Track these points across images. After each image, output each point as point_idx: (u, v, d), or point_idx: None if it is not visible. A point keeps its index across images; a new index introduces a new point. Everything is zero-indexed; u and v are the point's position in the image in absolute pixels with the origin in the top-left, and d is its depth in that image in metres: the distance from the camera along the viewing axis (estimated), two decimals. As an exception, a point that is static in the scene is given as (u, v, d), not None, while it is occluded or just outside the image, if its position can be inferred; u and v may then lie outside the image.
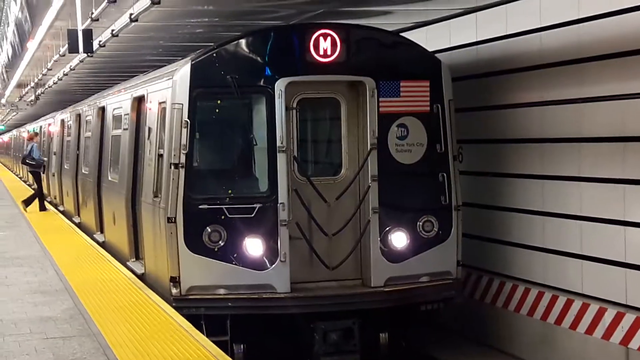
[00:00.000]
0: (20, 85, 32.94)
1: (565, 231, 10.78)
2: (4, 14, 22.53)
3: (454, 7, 12.44)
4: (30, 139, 24.80)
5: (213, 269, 10.16)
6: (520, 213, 11.64)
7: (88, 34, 13.11)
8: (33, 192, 24.04)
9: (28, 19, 19.21)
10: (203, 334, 9.04)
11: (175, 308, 9.82)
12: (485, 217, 12.34)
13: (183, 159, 10.19)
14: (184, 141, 10.17)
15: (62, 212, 22.60)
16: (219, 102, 10.47)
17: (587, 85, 10.24)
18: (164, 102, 11.01)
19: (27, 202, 22.62)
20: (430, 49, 11.84)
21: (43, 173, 23.13)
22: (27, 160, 23.12)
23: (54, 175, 26.28)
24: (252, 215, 10.18)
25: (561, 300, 10.83)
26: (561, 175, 10.79)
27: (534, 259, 11.40)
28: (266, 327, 10.25)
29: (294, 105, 10.49)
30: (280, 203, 10.16)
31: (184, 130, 10.17)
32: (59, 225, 18.95)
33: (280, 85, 10.24)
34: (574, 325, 10.56)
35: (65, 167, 23.02)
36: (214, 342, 8.39)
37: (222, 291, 10.16)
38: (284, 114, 10.23)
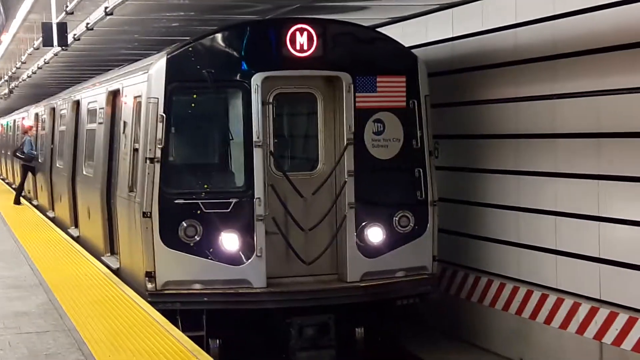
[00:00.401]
0: (-7, 79, 32.62)
1: (540, 226, 10.85)
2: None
3: (430, 3, 12.47)
4: (25, 132, 24.62)
5: (189, 264, 10.15)
6: (496, 208, 11.70)
7: (62, 27, 13.03)
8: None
9: (2, 12, 19.05)
10: (179, 329, 9.04)
11: (151, 303, 9.78)
12: (461, 213, 12.40)
13: (159, 154, 10.16)
14: (159, 135, 10.14)
15: (36, 207, 22.47)
16: (194, 96, 10.44)
17: (561, 81, 10.31)
18: (139, 96, 10.96)
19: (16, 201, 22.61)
20: (406, 45, 11.86)
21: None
22: (17, 154, 23.02)
23: (27, 170, 26.08)
24: (228, 210, 10.17)
25: (536, 295, 10.91)
26: (536, 170, 10.86)
27: (509, 254, 11.47)
28: (242, 322, 10.25)
29: (270, 100, 10.49)
30: (257, 198, 10.17)
31: (160, 125, 10.14)
32: (33, 220, 18.84)
33: (256, 79, 10.23)
34: (548, 320, 10.65)
35: (39, 161, 22.87)
36: (189, 337, 8.36)
37: (197, 286, 10.14)
38: (260, 109, 10.23)
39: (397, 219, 10.75)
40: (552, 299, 10.62)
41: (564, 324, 10.37)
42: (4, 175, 37.78)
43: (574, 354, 10.26)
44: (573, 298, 10.30)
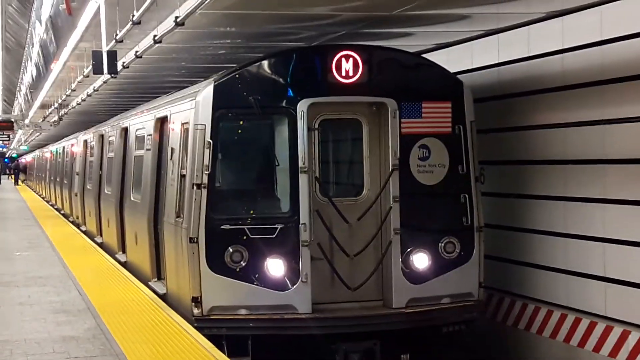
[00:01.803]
0: (43, 106, 33.19)
1: (588, 253, 10.72)
2: (29, 35, 22.79)
3: (475, 29, 12.46)
4: None
5: (235, 289, 10.18)
6: (543, 235, 11.59)
7: (112, 55, 13.22)
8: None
9: (53, 40, 19.39)
10: (225, 354, 9.05)
11: (197, 328, 9.82)
12: (508, 239, 12.30)
13: (205, 180, 10.22)
14: (206, 162, 10.21)
15: (85, 232, 22.72)
16: (241, 122, 10.50)
17: (610, 107, 10.22)
18: (186, 122, 11.07)
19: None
20: (452, 71, 11.85)
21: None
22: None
23: (76, 195, 26.44)
24: (274, 235, 10.20)
25: (584, 322, 10.75)
26: (584, 196, 10.74)
27: (557, 281, 11.33)
28: (287, 347, 10.23)
29: (316, 125, 10.52)
30: (302, 223, 10.18)
31: (207, 151, 10.22)
32: (82, 245, 19.03)
33: (302, 106, 10.28)
34: (597, 348, 10.48)
35: (88, 187, 23.15)
36: (235, 362, 8.39)
37: (243, 311, 10.16)
38: (306, 135, 10.27)
39: (442, 244, 10.69)
40: (600, 326, 10.46)
41: (614, 352, 10.20)
42: (53, 201, 38.29)
43: (623, 382, 10.09)
44: (622, 326, 10.13)
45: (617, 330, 10.19)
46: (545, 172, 11.52)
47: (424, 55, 13.33)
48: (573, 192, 10.95)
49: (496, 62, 12.56)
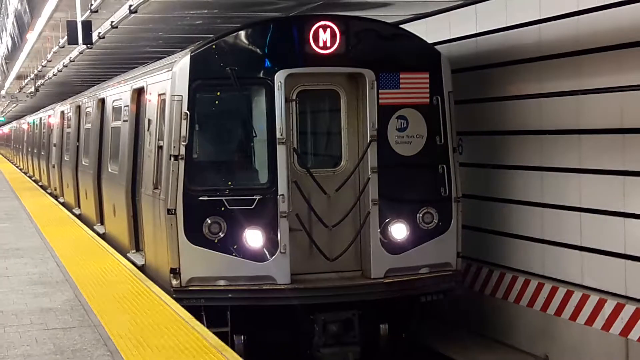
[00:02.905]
0: (20, 77, 32.91)
1: (564, 223, 10.81)
2: (3, 6, 22.54)
3: (453, -1, 12.45)
4: None
5: (213, 261, 10.20)
6: (520, 204, 11.67)
7: (87, 26, 13.12)
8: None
9: (27, 11, 19.19)
10: (203, 325, 9.08)
11: (176, 299, 9.83)
12: (485, 209, 12.37)
13: (183, 151, 10.21)
14: (183, 133, 10.19)
15: (63, 204, 22.63)
16: (218, 93, 10.47)
17: (585, 77, 10.26)
18: (163, 93, 11.02)
19: None
20: (430, 41, 11.84)
21: None
22: None
23: (54, 167, 26.31)
24: (252, 206, 10.20)
25: (561, 291, 10.86)
26: (561, 167, 10.81)
27: (533, 250, 11.43)
28: (266, 318, 10.29)
29: (294, 97, 10.51)
30: (280, 195, 10.19)
31: (184, 122, 10.19)
32: (60, 217, 18.95)
33: (279, 76, 10.26)
34: (573, 317, 10.60)
35: (65, 158, 23.04)
36: (214, 333, 8.39)
37: (222, 282, 10.19)
38: (283, 106, 10.25)
39: (420, 215, 10.74)
40: (577, 295, 10.57)
41: (590, 321, 10.32)
42: (31, 172, 38.09)
43: (599, 350, 10.21)
44: (598, 294, 10.25)
45: (594, 299, 10.30)
46: (522, 143, 11.58)
47: (402, 26, 13.28)
48: (549, 162, 11.03)
49: (474, 32, 12.56)
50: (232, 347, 9.78)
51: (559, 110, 10.82)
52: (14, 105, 51.62)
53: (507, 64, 11.82)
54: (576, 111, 10.50)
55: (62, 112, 24.90)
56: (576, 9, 10.40)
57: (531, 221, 11.47)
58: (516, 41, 11.61)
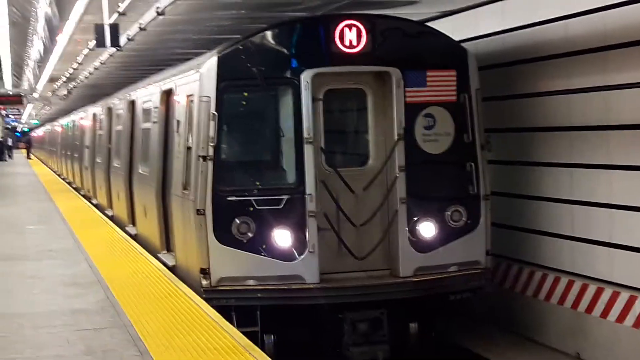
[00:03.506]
0: (52, 80, 33.19)
1: (594, 219, 10.72)
2: (33, 9, 22.82)
3: (480, -5, 12.40)
4: None
5: (242, 260, 10.22)
6: (549, 202, 11.59)
7: (115, 28, 13.22)
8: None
9: (57, 14, 19.36)
10: (233, 324, 9.10)
11: (205, 299, 9.86)
12: (515, 206, 12.30)
13: (211, 152, 10.25)
14: (211, 134, 10.23)
15: (96, 206, 22.81)
16: (245, 94, 10.49)
17: (613, 73, 10.17)
18: (191, 95, 11.07)
19: None
20: (457, 39, 11.79)
21: None
22: None
23: (87, 169, 26.54)
24: (280, 206, 10.22)
25: (591, 288, 10.77)
26: (589, 163, 10.73)
27: (563, 248, 11.35)
28: (296, 317, 10.30)
29: (320, 96, 10.50)
30: (308, 194, 10.19)
31: (212, 123, 10.22)
32: (92, 219, 19.11)
33: (306, 76, 10.26)
34: (604, 314, 10.50)
35: (98, 160, 23.22)
36: (244, 332, 8.41)
37: (251, 282, 10.21)
38: (310, 105, 10.26)
39: (449, 213, 10.70)
40: (607, 292, 10.48)
41: (620, 318, 10.22)
42: (65, 175, 38.41)
43: (630, 347, 10.11)
44: (629, 291, 10.15)
45: (624, 296, 10.20)
46: (551, 139, 11.50)
47: (428, 24, 13.25)
48: (578, 159, 10.94)
49: (501, 29, 12.48)
50: (262, 346, 9.84)
51: (587, 106, 10.73)
52: (47, 108, 52.14)
53: (535, 60, 11.74)
54: (604, 107, 10.41)
55: (94, 115, 25.10)
56: (603, 4, 10.30)
57: (561, 218, 11.38)
58: (543, 37, 11.53)
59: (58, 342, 8.04)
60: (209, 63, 10.44)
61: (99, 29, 13.27)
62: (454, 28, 13.17)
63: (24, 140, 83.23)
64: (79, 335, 8.26)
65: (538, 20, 11.59)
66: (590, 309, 10.74)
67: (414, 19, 12.27)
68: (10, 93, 42.57)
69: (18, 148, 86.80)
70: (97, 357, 7.50)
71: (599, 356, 10.61)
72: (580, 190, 10.95)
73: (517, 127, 12.24)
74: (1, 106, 53.92)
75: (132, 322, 8.72)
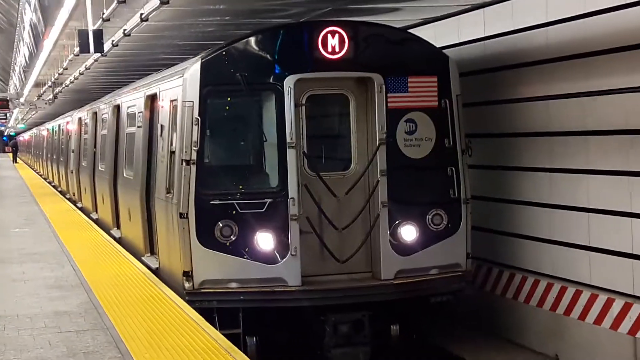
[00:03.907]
0: (38, 85, 33.11)
1: (572, 223, 10.77)
2: (19, 15, 22.77)
3: (461, 3, 12.43)
4: None
5: (225, 263, 10.22)
6: (529, 205, 11.64)
7: (98, 34, 13.18)
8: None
9: (41, 20, 19.32)
10: (216, 327, 9.10)
11: (188, 302, 9.87)
12: (495, 210, 12.35)
13: (194, 156, 10.25)
14: (194, 138, 10.23)
15: (81, 209, 22.75)
16: (229, 99, 10.50)
17: (593, 79, 10.23)
18: (175, 99, 11.07)
19: None
20: (439, 45, 11.85)
21: None
22: None
23: (72, 173, 26.45)
24: (263, 210, 10.23)
25: (570, 291, 10.83)
26: (568, 168, 10.79)
27: (542, 251, 11.41)
28: (278, 319, 10.31)
29: (303, 101, 10.52)
30: (291, 198, 10.21)
31: (195, 127, 10.23)
32: (77, 222, 19.07)
33: (289, 82, 10.28)
34: (582, 316, 10.56)
35: (83, 164, 23.16)
36: (226, 335, 8.43)
37: (234, 285, 10.21)
38: (293, 111, 10.28)
39: (430, 217, 10.73)
40: (586, 295, 10.54)
41: (598, 320, 10.29)
42: (50, 178, 38.29)
43: (608, 349, 10.17)
44: (607, 294, 10.21)
45: (602, 298, 10.27)
46: (531, 144, 11.56)
47: (411, 31, 13.31)
48: (557, 164, 11.00)
49: (482, 36, 12.54)
50: (245, 348, 9.84)
51: (567, 112, 10.79)
52: (34, 112, 51.93)
53: (516, 67, 11.80)
54: (584, 113, 10.47)
55: (80, 119, 25.04)
56: (583, 12, 10.36)
57: (540, 222, 11.44)
58: (524, 44, 11.58)
59: (40, 344, 8.03)
60: (193, 68, 10.45)
61: (82, 35, 13.23)
62: (436, 35, 13.24)
63: (11, 144, 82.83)
64: (61, 337, 8.26)
65: (518, 27, 11.65)
66: (568, 311, 10.80)
67: (397, 25, 12.31)
68: (-3, 97, 42.40)
69: (4, 152, 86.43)
70: (78, 359, 7.50)
71: (578, 357, 10.67)
72: (560, 194, 11.01)
73: (497, 132, 12.30)
74: (-12, 111, 53.65)
75: (114, 324, 8.73)
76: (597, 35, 10.16)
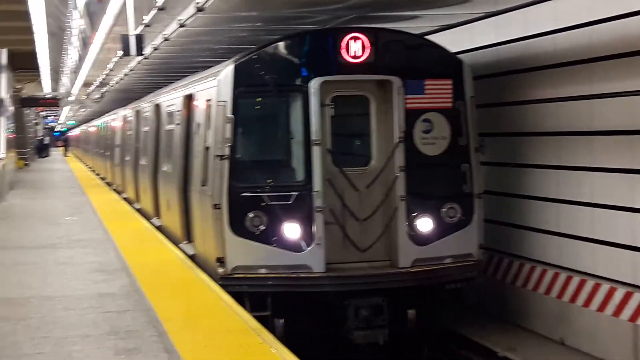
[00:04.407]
0: (86, 84, 33.42)
1: (578, 217, 10.75)
2: (68, 20, 23.03)
3: (476, 11, 12.41)
4: None
5: (255, 251, 10.30)
6: (538, 200, 11.62)
7: (139, 39, 13.31)
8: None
9: (89, 25, 19.52)
10: (246, 309, 9.19)
11: (221, 286, 9.97)
12: (506, 204, 12.34)
13: (227, 151, 10.35)
14: (227, 135, 10.33)
15: (125, 199, 22.95)
16: (259, 99, 10.61)
17: (597, 83, 10.20)
18: (210, 99, 11.17)
19: None
20: (455, 50, 11.83)
21: None
22: None
23: (117, 166, 26.67)
24: (290, 202, 10.30)
25: (575, 280, 10.81)
26: (575, 165, 10.76)
27: (550, 242, 11.38)
28: (303, 303, 10.37)
29: (328, 102, 10.58)
30: (315, 191, 10.27)
31: (228, 125, 10.33)
32: (121, 211, 19.26)
33: (314, 84, 10.35)
34: (586, 304, 10.54)
35: (127, 158, 23.35)
36: (256, 317, 8.50)
37: (263, 271, 10.29)
38: (318, 110, 10.34)
39: (445, 210, 10.75)
40: (590, 284, 10.52)
41: (601, 307, 10.26)
42: (97, 171, 38.61)
43: (610, 334, 10.15)
44: (610, 283, 10.18)
45: (605, 287, 10.24)
46: (540, 143, 11.53)
47: (430, 37, 13.30)
48: (564, 161, 10.97)
49: (495, 42, 12.52)
50: (273, 329, 9.90)
51: (574, 113, 10.76)
52: (82, 110, 52.40)
53: (526, 71, 11.78)
54: (589, 114, 10.44)
55: (124, 117, 25.23)
56: (589, 20, 10.33)
57: (548, 215, 11.42)
58: (534, 50, 11.56)
59: (85, 323, 8.16)
60: (226, 71, 10.54)
61: (125, 39, 13.37)
62: (452, 40, 13.21)
63: (62, 139, 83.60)
64: (104, 317, 8.38)
65: (529, 34, 11.62)
66: (573, 298, 10.78)
67: (415, 32, 12.32)
68: (49, 96, 42.83)
69: (56, 146, 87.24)
70: (120, 336, 7.60)
71: (582, 342, 10.66)
72: (566, 190, 10.98)
73: (509, 131, 12.28)
74: (41, 108, 54.22)
75: (153, 305, 8.83)
76: (602, 42, 10.12)
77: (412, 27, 12.93)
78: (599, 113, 10.24)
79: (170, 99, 15.17)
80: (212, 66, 13.81)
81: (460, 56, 11.52)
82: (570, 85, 10.74)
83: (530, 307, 11.75)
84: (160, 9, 11.30)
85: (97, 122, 42.15)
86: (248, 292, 10.20)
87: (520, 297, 11.97)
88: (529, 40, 11.59)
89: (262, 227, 10.28)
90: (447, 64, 10.97)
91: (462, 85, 10.87)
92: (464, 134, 10.82)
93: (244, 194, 10.32)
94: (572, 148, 10.81)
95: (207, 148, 11.15)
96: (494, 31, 12.47)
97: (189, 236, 13.13)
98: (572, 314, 10.83)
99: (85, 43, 22.03)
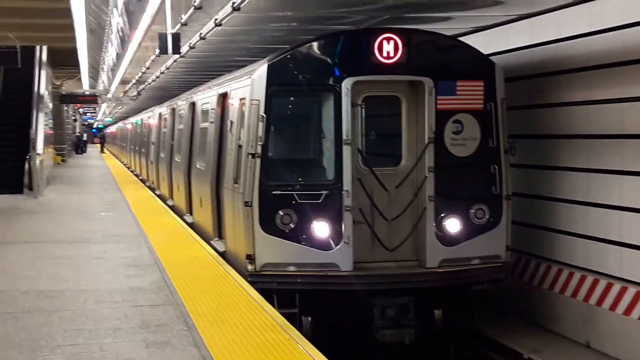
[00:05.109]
0: (123, 82, 33.70)
1: (606, 220, 10.69)
2: (108, 18, 23.28)
3: (510, 13, 12.37)
4: None
5: (284, 248, 10.37)
6: (566, 203, 11.56)
7: (176, 38, 13.43)
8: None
9: (127, 24, 19.72)
10: (274, 306, 9.26)
11: (250, 282, 10.05)
12: (534, 206, 12.28)
13: (259, 150, 10.42)
14: (260, 133, 10.40)
15: (159, 196, 23.15)
16: (292, 98, 10.67)
17: (628, 86, 10.13)
18: (244, 98, 11.26)
19: None
20: (488, 52, 11.80)
21: None
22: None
23: (152, 163, 26.90)
24: (320, 200, 10.35)
25: (602, 283, 10.75)
26: (604, 168, 10.70)
27: (577, 245, 11.32)
28: (331, 301, 10.42)
29: (359, 102, 10.62)
30: (345, 190, 10.32)
31: (261, 124, 10.40)
32: (155, 208, 19.44)
33: (347, 84, 10.39)
34: (613, 307, 10.48)
35: (162, 155, 23.54)
36: (284, 314, 8.57)
37: (292, 268, 10.35)
38: (349, 110, 10.38)
39: (473, 211, 10.74)
40: (616, 287, 10.46)
41: (628, 310, 10.20)
42: (133, 167, 38.95)
43: (635, 337, 10.08)
44: (636, 287, 10.11)
45: (632, 291, 10.18)
46: (570, 146, 11.47)
47: (463, 38, 13.28)
48: (594, 164, 10.91)
49: (529, 44, 12.47)
50: (300, 327, 9.96)
51: (604, 116, 10.70)
52: (119, 107, 52.88)
53: (559, 73, 11.71)
54: (620, 118, 10.37)
55: (160, 114, 25.44)
56: (622, 23, 10.26)
57: (576, 218, 11.36)
58: (567, 52, 11.50)
59: (117, 316, 8.28)
60: (260, 70, 10.62)
61: (162, 38, 13.50)
62: (485, 42, 13.19)
63: (99, 135, 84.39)
64: (135, 311, 8.50)
65: (563, 37, 11.56)
66: (600, 302, 10.72)
67: (449, 34, 12.30)
68: (87, 93, 43.28)
69: (93, 143, 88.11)
70: (150, 330, 7.72)
71: (607, 345, 10.60)
72: (595, 193, 10.92)
73: (539, 134, 12.23)
74: (79, 105, 54.81)
75: (183, 300, 8.94)
76: (635, 45, 10.04)
77: (446, 28, 12.92)
78: (631, 117, 10.16)
79: (205, 97, 15.29)
80: (247, 65, 13.91)
81: (494, 58, 11.49)
82: (602, 88, 10.67)
83: (557, 309, 11.70)
84: (198, 8, 11.39)
85: (133, 119, 42.51)
86: (276, 289, 10.26)
87: (547, 299, 11.92)
88: (564, 42, 11.52)
89: (292, 225, 10.35)
90: (479, 65, 10.95)
91: (493, 87, 10.85)
92: (494, 136, 10.80)
93: (274, 192, 10.39)
94: (602, 151, 10.75)
95: (239, 146, 11.24)
96: (528, 33, 12.41)
97: (220, 233, 13.25)
98: (599, 317, 10.77)
99: (123, 41, 22.24)
